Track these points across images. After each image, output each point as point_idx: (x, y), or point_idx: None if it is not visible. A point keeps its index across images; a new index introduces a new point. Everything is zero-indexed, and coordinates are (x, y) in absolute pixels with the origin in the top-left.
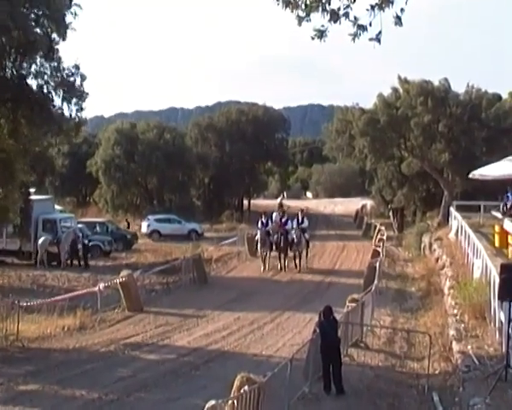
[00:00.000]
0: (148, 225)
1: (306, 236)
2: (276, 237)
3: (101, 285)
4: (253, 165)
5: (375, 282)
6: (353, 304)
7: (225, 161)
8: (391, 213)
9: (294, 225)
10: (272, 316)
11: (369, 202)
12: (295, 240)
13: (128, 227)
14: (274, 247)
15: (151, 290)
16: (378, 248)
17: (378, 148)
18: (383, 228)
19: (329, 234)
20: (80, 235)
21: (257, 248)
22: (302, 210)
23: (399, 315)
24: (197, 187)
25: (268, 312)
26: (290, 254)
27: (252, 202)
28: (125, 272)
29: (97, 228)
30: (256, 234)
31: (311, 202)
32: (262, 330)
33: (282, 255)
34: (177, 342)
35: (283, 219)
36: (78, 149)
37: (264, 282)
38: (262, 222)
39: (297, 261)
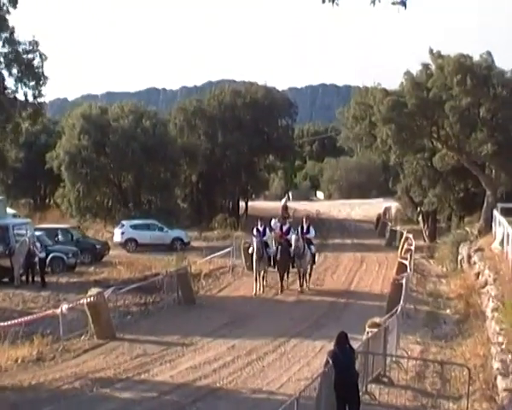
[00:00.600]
0: (123, 233)
1: (313, 248)
2: (275, 249)
3: (65, 307)
4: (251, 159)
5: (401, 303)
6: (374, 330)
7: (217, 154)
8: (420, 218)
9: (297, 235)
10: (275, 344)
11: (393, 205)
12: (299, 253)
13: (84, 237)
14: (272, 262)
15: (126, 313)
16: (405, 261)
17: (405, 138)
18: (411, 236)
19: (345, 243)
20: (38, 245)
21: (251, 262)
22: (308, 216)
23: (431, 344)
24: (183, 186)
25: (270, 339)
26: (293, 270)
27: (250, 204)
28: (93, 291)
29: (59, 236)
30: (250, 245)
31: (323, 205)
32: (262, 362)
33: (283, 273)
34: (157, 377)
35: (284, 227)
36: (36, 139)
37: (264, 302)
38: (258, 230)
39: (301, 282)
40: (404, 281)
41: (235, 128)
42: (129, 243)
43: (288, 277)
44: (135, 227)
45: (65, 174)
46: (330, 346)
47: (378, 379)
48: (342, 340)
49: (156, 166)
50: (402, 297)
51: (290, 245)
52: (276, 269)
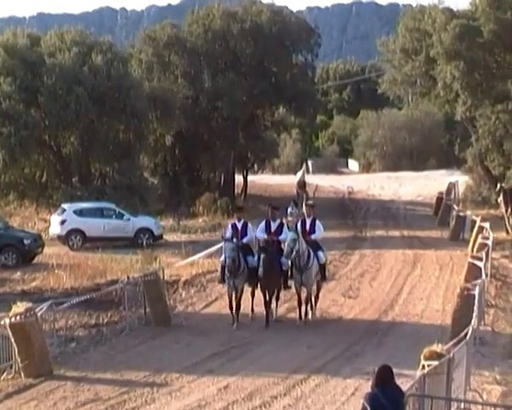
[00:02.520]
0: (64, 222)
1: (321, 256)
2: (258, 258)
3: None
4: (252, 112)
5: (473, 323)
6: (433, 363)
7: (203, 105)
8: (501, 199)
9: (296, 234)
10: (288, 384)
11: (461, 180)
12: (300, 264)
13: (6, 227)
14: (255, 279)
15: (69, 339)
16: (478, 263)
17: (479, 80)
18: (487, 225)
19: (390, 236)
20: None
21: (222, 279)
22: (312, 206)
23: None
24: (152, 152)
25: (280, 376)
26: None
27: (250, 178)
28: (20, 307)
29: None
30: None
31: (358, 180)
32: None
33: (270, 296)
34: None
35: (273, 224)
36: None
37: (270, 323)
38: (235, 227)
39: (302, 308)
40: (476, 291)
41: (228, 67)
42: (73, 237)
43: (277, 302)
44: (81, 213)
45: None
46: (368, 386)
47: None
48: (385, 378)
49: (112, 122)
50: (474, 315)
51: (281, 251)
52: (260, 289)
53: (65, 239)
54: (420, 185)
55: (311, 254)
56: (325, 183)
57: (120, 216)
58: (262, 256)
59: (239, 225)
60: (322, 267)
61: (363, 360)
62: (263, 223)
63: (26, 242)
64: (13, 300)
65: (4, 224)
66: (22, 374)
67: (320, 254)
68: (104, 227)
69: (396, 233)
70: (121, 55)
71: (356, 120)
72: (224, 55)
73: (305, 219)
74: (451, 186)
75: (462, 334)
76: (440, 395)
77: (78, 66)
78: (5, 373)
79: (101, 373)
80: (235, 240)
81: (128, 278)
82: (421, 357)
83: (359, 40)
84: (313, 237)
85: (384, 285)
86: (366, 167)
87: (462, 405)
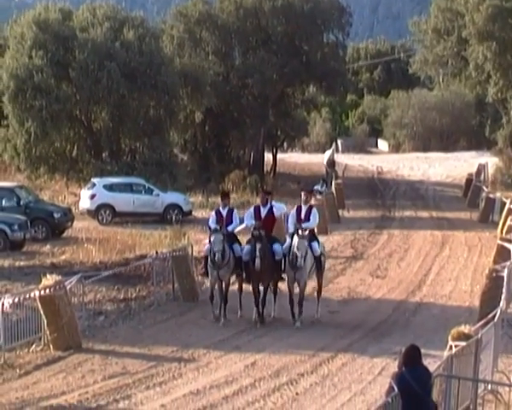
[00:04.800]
0: (94, 196)
1: (316, 248)
2: (248, 248)
3: (7, 302)
4: (282, 90)
5: (502, 305)
6: (461, 343)
7: (233, 82)
8: None
9: (290, 226)
10: (314, 362)
11: (491, 161)
12: (297, 259)
13: (37, 201)
14: (244, 272)
15: (97, 313)
16: (507, 244)
17: (511, 62)
18: None
19: (419, 217)
20: None
21: (206, 270)
22: (309, 192)
23: None
24: (182, 129)
25: (307, 354)
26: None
27: (280, 156)
28: (50, 280)
29: (0, 199)
30: (205, 243)
31: (388, 160)
32: (296, 388)
33: (264, 291)
34: (142, 407)
35: (263, 209)
36: None
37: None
38: (219, 214)
39: (295, 310)
40: (505, 273)
41: (259, 45)
42: (102, 212)
43: (275, 296)
44: (111, 188)
45: (9, 108)
46: (395, 366)
47: None
48: (413, 358)
49: (143, 98)
50: (503, 297)
51: (274, 241)
52: (251, 284)
53: (94, 213)
54: (449, 166)
55: (303, 245)
56: (354, 162)
57: (150, 192)
58: (258, 246)
59: (224, 212)
60: (318, 260)
61: (391, 340)
62: (251, 208)
63: (56, 215)
64: (42, 273)
65: (35, 197)
66: (51, 346)
67: (315, 245)
68: (133, 202)
69: (425, 214)
70: (153, 31)
71: (386, 100)
72: (256, 32)
73: (301, 207)
74: (481, 168)
75: (491, 316)
76: (467, 376)
77: (109, 41)
78: (34, 345)
79: (129, 347)
80: (218, 227)
81: (157, 253)
82: (449, 338)
83: (391, 20)
84: (304, 225)
85: (412, 266)
86: (396, 147)
87: (490, 386)
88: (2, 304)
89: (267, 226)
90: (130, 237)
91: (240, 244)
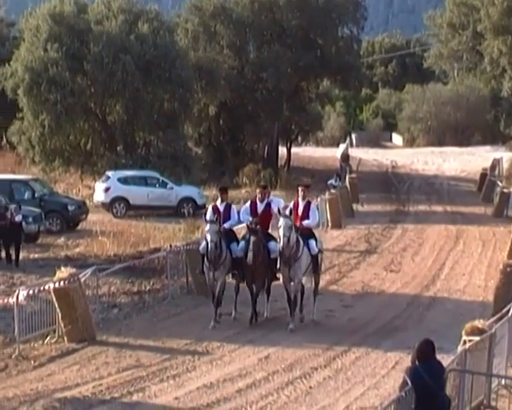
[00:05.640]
0: (108, 189)
1: (313, 246)
2: (243, 245)
3: (22, 294)
4: (297, 84)
5: None
6: (475, 338)
7: (248, 76)
8: None
9: (283, 222)
10: (328, 356)
11: (505, 156)
12: (289, 255)
13: (51, 193)
14: (240, 271)
15: (111, 305)
16: None
17: None
18: None
19: (434, 211)
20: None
21: (202, 269)
22: (306, 186)
23: None
24: (197, 122)
25: (320, 348)
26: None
27: (294, 150)
28: (64, 272)
29: (15, 192)
30: (201, 241)
31: (402, 154)
32: (309, 381)
33: (257, 288)
34: (156, 399)
35: (260, 205)
36: None
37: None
38: (216, 210)
39: (293, 308)
40: None
41: (274, 39)
42: (117, 204)
43: (268, 296)
44: (125, 181)
45: (24, 101)
46: (409, 360)
47: None
48: (427, 352)
49: (158, 91)
50: None
51: (270, 238)
52: (245, 282)
53: (109, 206)
54: (464, 161)
55: (301, 243)
56: (369, 156)
57: (164, 185)
58: (252, 239)
59: (221, 208)
60: (315, 259)
61: (405, 334)
62: (247, 204)
63: (70, 208)
64: (57, 265)
65: (49, 190)
66: (65, 339)
67: (312, 243)
68: (148, 196)
69: (439, 208)
70: (167, 25)
71: (401, 94)
72: (270, 26)
73: (298, 202)
74: (496, 162)
75: (505, 310)
76: (481, 370)
77: (124, 34)
78: (49, 337)
79: (143, 340)
80: (214, 219)
81: (171, 246)
82: (463, 332)
83: (406, 14)
84: (305, 223)
85: (426, 260)
86: (410, 142)
87: (503, 381)
88: (17, 296)
89: (264, 223)
90: (144, 230)
91: (238, 243)
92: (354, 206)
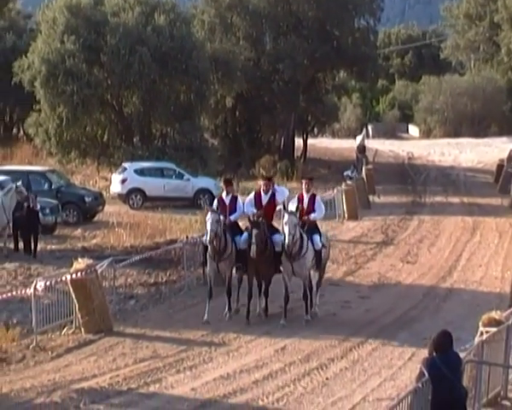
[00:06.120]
0: (124, 181)
1: (317, 241)
2: (245, 237)
3: (39, 285)
4: (313, 76)
5: None
6: (492, 329)
7: (264, 67)
8: None
9: (288, 220)
10: (344, 347)
11: None
12: (292, 250)
13: (68, 185)
14: (242, 264)
15: (128, 296)
16: None
17: None
18: None
19: (450, 202)
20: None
21: (205, 260)
22: (310, 179)
23: None
24: (213, 113)
25: (337, 339)
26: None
27: (310, 142)
28: (81, 263)
29: (32, 183)
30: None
31: (418, 145)
32: (326, 373)
33: (259, 282)
34: (173, 390)
35: (265, 197)
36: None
37: (329, 285)
38: (222, 202)
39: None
40: None
41: (290, 30)
42: (133, 196)
43: (265, 293)
44: (142, 173)
45: (41, 93)
46: (425, 352)
47: (495, 402)
48: (444, 344)
49: (174, 83)
50: None
51: (274, 230)
52: (247, 276)
53: (125, 198)
54: (480, 152)
55: (305, 238)
56: (385, 148)
57: (180, 176)
58: (254, 232)
59: (227, 200)
60: (318, 254)
61: (421, 326)
62: (251, 195)
63: (87, 199)
64: (74, 256)
65: (66, 181)
66: (82, 330)
67: (316, 238)
68: (164, 187)
69: (455, 200)
70: (184, 16)
71: (417, 86)
72: (286, 17)
73: (302, 195)
74: None
75: None
76: (498, 362)
77: (141, 26)
78: (66, 328)
79: (160, 331)
80: (222, 217)
81: (187, 237)
82: (480, 324)
83: (422, 5)
84: (312, 217)
85: (443, 251)
86: (426, 133)
87: None
88: (35, 287)
89: (268, 215)
90: (160, 222)
91: (242, 236)
92: (370, 197)
